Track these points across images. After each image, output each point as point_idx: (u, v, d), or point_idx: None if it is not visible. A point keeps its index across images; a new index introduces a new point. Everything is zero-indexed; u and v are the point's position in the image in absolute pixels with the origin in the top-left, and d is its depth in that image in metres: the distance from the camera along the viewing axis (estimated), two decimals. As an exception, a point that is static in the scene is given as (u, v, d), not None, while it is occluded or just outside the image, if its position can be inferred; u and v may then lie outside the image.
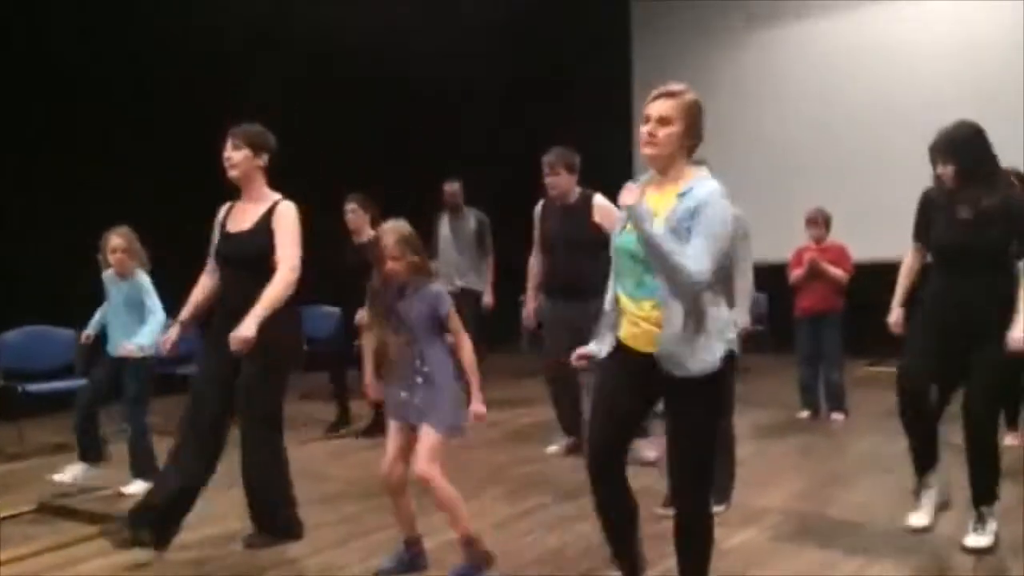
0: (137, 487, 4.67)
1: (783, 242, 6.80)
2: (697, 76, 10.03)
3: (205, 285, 3.92)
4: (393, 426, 3.41)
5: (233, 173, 3.77)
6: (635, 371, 2.72)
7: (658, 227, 2.56)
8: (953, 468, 3.91)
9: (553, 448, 5.42)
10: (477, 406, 3.40)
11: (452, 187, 7.14)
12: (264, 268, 3.65)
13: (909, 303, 3.90)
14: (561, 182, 5.20)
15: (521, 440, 5.83)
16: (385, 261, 3.32)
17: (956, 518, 3.90)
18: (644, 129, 2.67)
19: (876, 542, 3.73)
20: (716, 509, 4.09)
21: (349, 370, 6.14)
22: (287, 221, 3.75)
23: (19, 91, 6.97)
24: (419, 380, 3.31)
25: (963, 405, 3.62)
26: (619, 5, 11.31)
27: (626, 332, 2.74)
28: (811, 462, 5.27)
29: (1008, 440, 5.24)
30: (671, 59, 10.44)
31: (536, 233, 5.45)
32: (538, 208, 5.45)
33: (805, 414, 6.48)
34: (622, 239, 2.74)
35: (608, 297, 2.82)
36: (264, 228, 3.73)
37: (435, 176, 7.34)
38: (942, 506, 3.92)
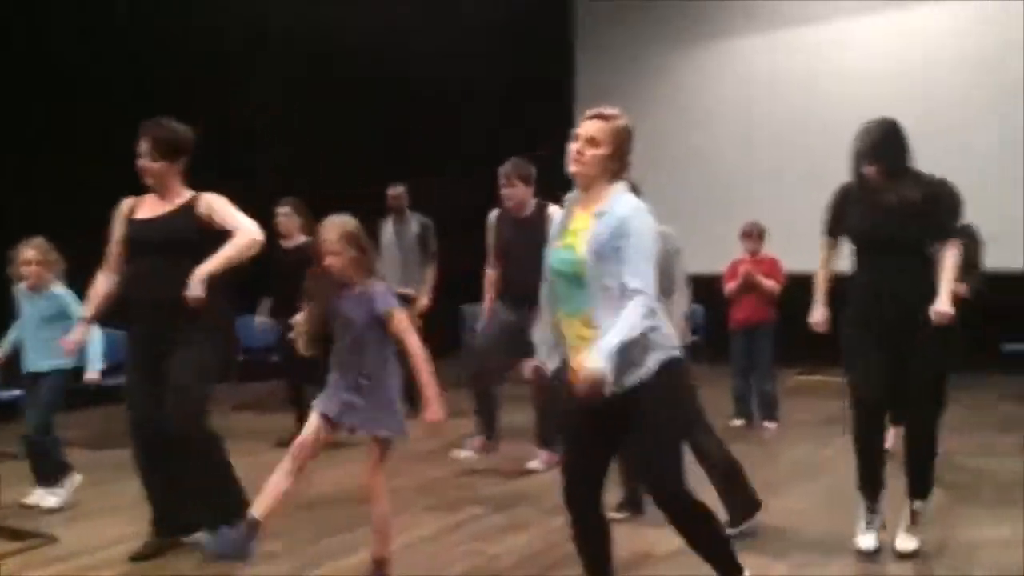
0: (39, 497, 4.52)
1: (717, 255, 6.90)
2: (635, 93, 10.23)
3: (105, 282, 3.77)
4: (318, 419, 3.26)
5: (149, 182, 3.66)
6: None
7: (604, 345, 2.50)
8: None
9: (464, 452, 5.43)
10: (432, 412, 3.19)
11: (396, 191, 7.06)
12: (188, 255, 3.47)
13: (831, 302, 3.88)
14: (517, 193, 5.21)
15: (454, 449, 5.79)
16: (324, 256, 3.19)
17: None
18: (573, 147, 2.74)
19: (805, 547, 3.80)
20: (618, 516, 4.02)
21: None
22: (222, 203, 3.61)
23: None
24: (364, 382, 3.20)
25: (908, 405, 3.66)
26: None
27: (568, 353, 2.77)
28: (744, 470, 5.33)
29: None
30: (611, 75, 10.59)
31: (490, 243, 5.45)
32: (492, 217, 5.44)
33: (739, 423, 6.58)
34: (556, 257, 2.78)
35: (545, 319, 2.85)
36: (187, 214, 3.58)
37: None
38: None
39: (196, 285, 3.38)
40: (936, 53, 9.03)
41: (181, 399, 3.54)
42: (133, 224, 3.68)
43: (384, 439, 3.24)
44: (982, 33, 8.81)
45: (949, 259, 3.60)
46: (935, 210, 3.62)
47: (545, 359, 2.87)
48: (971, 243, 5.19)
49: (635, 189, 3.99)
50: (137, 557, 3.69)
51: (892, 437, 5.38)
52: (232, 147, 8.15)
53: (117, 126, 7.33)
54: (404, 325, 3.23)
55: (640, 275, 2.60)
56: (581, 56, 11.31)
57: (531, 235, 5.06)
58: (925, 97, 8.75)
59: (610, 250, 2.63)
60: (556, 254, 2.78)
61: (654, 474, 2.75)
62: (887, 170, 3.59)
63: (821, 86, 9.58)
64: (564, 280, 2.74)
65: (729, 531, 3.75)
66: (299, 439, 3.27)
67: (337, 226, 3.22)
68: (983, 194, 5.70)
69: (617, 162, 2.75)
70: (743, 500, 3.96)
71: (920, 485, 3.67)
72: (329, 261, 3.19)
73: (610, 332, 2.53)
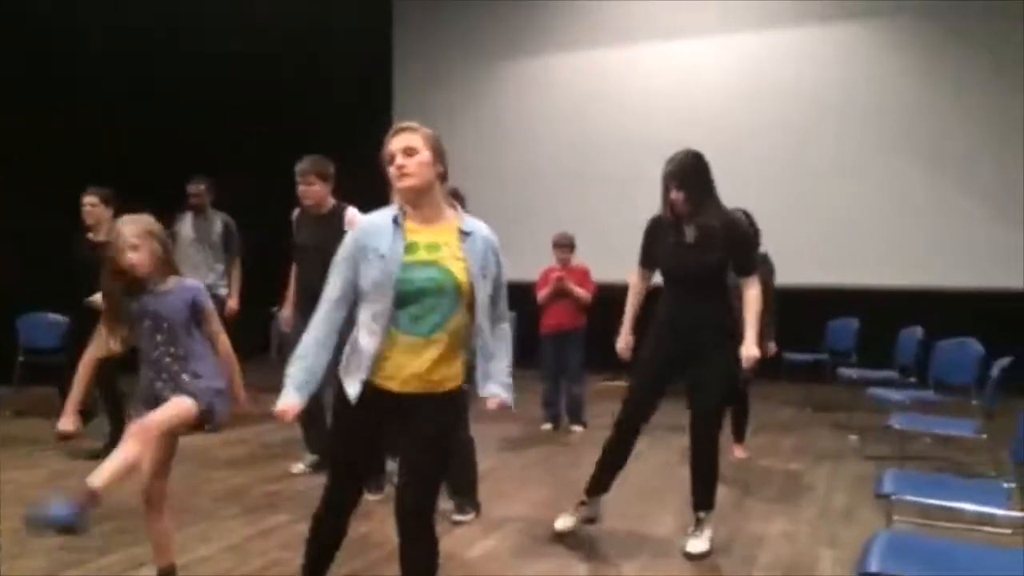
0: None
1: (529, 263, 7.05)
2: (455, 106, 10.35)
3: None
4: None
5: None
6: (382, 413, 2.67)
7: (507, 379, 2.83)
8: (680, 469, 4.19)
9: (300, 466, 5.24)
10: (240, 391, 3.26)
11: (197, 187, 6.69)
12: None
13: (637, 328, 4.10)
14: (314, 191, 5.02)
15: (266, 458, 5.61)
16: (123, 252, 3.02)
17: (673, 521, 4.25)
18: (393, 167, 2.65)
19: (607, 545, 3.97)
20: (465, 518, 4.20)
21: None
22: None
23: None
24: (176, 368, 3.08)
25: (691, 423, 3.89)
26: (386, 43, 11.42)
27: (390, 371, 2.65)
28: (551, 472, 5.50)
29: (736, 453, 5.75)
30: (430, 91, 10.67)
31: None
32: (295, 215, 5.26)
33: (548, 427, 6.76)
34: (408, 274, 2.62)
35: (367, 336, 2.65)
36: None
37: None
38: (591, 520, 4.13)
39: None
40: (741, 80, 9.68)
41: None
42: None
43: (186, 404, 3.05)
44: (794, 63, 9.48)
45: (753, 301, 3.88)
46: (737, 245, 3.87)
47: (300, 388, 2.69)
48: (766, 269, 5.66)
49: (460, 197, 4.04)
50: None
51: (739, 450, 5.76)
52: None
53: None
54: (218, 326, 3.22)
55: (505, 309, 2.85)
56: (399, 66, 11.31)
57: (328, 236, 4.92)
58: (727, 121, 9.37)
59: (487, 271, 2.73)
60: (413, 270, 2.62)
61: (420, 485, 2.66)
62: (692, 198, 3.81)
63: (631, 104, 10.04)
64: (424, 297, 2.62)
65: (456, 516, 4.20)
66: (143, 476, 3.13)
67: (135, 221, 3.10)
68: (773, 214, 6.17)
69: (440, 166, 2.72)
70: (470, 495, 4.33)
71: (703, 497, 3.91)
72: (131, 259, 3.03)
73: (501, 363, 2.82)
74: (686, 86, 9.83)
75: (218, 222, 6.70)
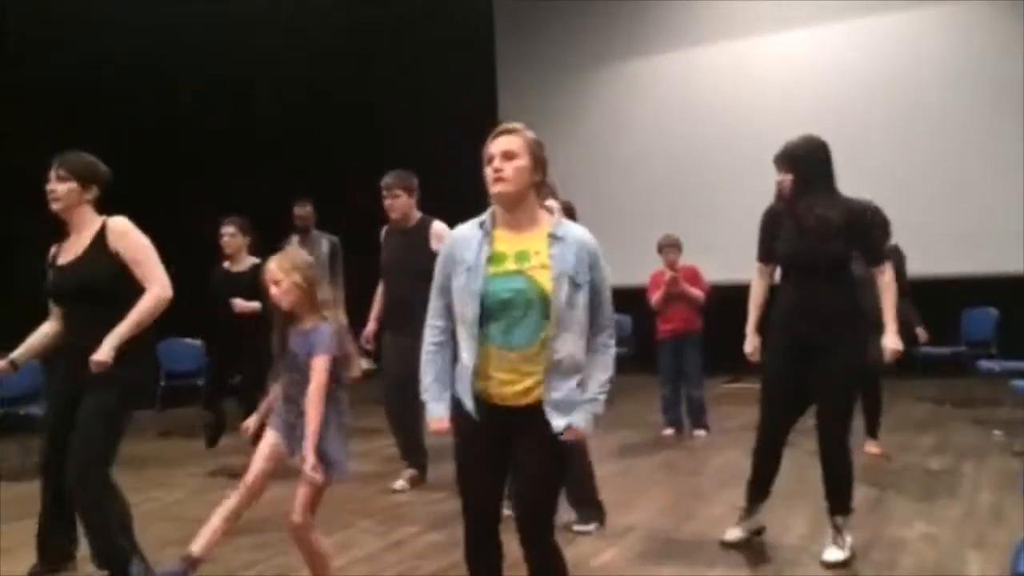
0: None
1: (641, 267, 6.99)
2: (560, 112, 10.34)
3: (46, 331, 3.66)
4: (270, 436, 3.25)
5: (56, 206, 3.51)
6: (495, 431, 2.62)
7: (593, 407, 2.62)
8: (809, 472, 4.06)
9: (400, 483, 5.23)
10: (309, 449, 3.06)
11: (303, 209, 6.84)
12: (105, 294, 3.41)
13: (762, 328, 3.94)
14: (399, 205, 5.09)
15: (388, 470, 5.71)
16: (268, 288, 3.16)
17: (807, 524, 4.10)
18: (490, 168, 2.60)
19: (733, 553, 3.86)
20: (587, 528, 4.18)
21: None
22: (135, 238, 3.49)
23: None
24: (299, 420, 3.15)
25: (818, 423, 3.71)
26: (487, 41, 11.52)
27: (488, 387, 2.59)
28: (674, 478, 5.41)
29: (869, 448, 5.54)
30: (533, 93, 10.71)
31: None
32: (383, 234, 5.34)
33: (669, 432, 6.66)
34: (494, 285, 2.56)
35: (465, 351, 2.62)
36: (98, 252, 3.46)
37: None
38: (758, 530, 4.03)
39: (105, 351, 3.30)
40: (854, 68, 9.34)
41: (81, 449, 3.41)
42: (55, 270, 3.58)
43: (313, 483, 3.12)
44: (911, 46, 9.14)
45: (887, 288, 3.70)
46: (861, 234, 3.68)
47: (438, 399, 2.68)
48: (896, 260, 5.40)
49: (571, 210, 3.99)
50: None
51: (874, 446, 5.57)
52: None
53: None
54: (319, 377, 3.12)
55: (611, 319, 2.65)
56: (502, 73, 11.40)
57: (413, 251, 4.95)
58: (844, 112, 9.03)
59: (583, 281, 2.56)
60: (498, 282, 2.55)
61: (538, 512, 2.65)
62: (798, 180, 3.65)
63: (741, 102, 9.79)
64: (511, 309, 2.54)
65: (577, 527, 4.16)
66: (254, 471, 3.23)
67: (279, 258, 3.21)
68: (897, 205, 5.90)
69: (539, 173, 2.63)
70: (594, 509, 4.27)
71: (838, 502, 3.73)
72: (274, 294, 3.16)
73: (595, 379, 2.62)
74: (800, 78, 9.55)
75: (324, 243, 6.78)
